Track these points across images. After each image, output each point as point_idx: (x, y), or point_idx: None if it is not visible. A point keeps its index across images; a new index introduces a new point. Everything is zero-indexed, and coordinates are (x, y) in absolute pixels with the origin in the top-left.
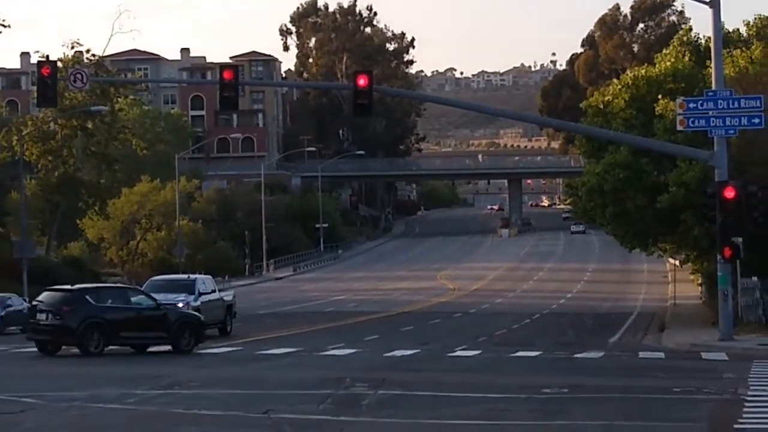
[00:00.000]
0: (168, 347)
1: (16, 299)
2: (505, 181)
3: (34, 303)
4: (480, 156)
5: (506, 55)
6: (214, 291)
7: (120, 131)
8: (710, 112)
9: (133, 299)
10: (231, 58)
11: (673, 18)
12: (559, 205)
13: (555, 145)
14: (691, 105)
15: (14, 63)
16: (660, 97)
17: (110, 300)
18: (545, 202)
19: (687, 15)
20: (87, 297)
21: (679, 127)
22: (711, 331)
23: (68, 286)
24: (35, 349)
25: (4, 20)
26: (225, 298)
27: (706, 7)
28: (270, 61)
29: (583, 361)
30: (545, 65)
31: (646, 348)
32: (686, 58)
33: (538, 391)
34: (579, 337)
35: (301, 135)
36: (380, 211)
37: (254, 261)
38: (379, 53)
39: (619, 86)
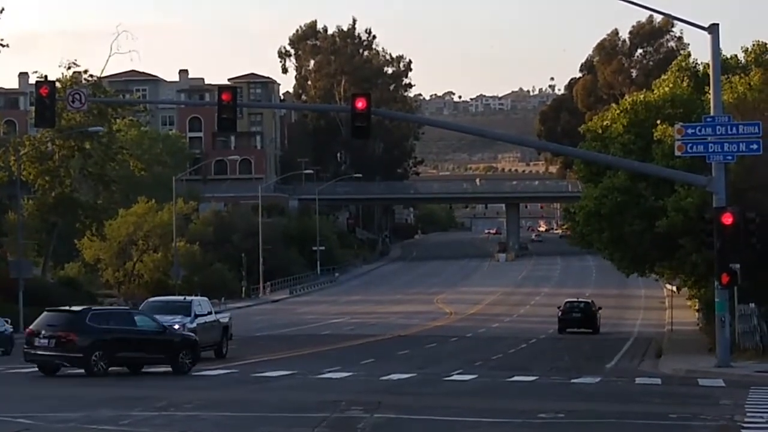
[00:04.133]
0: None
1: None
2: (503, 205)
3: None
4: (478, 180)
5: (505, 79)
6: (210, 313)
7: (117, 152)
8: (708, 138)
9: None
10: (229, 79)
11: (672, 44)
12: (556, 229)
13: (553, 169)
14: (690, 130)
15: (12, 83)
16: (658, 122)
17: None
18: (542, 227)
19: (686, 41)
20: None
21: (678, 153)
22: (708, 357)
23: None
24: (31, 369)
25: (2, 40)
26: (221, 320)
27: (705, 33)
28: (268, 84)
29: (580, 386)
30: (544, 90)
31: (643, 374)
32: (685, 84)
33: (534, 415)
34: (575, 362)
35: (299, 157)
36: (377, 235)
37: (251, 283)
38: (378, 76)
39: (618, 111)
